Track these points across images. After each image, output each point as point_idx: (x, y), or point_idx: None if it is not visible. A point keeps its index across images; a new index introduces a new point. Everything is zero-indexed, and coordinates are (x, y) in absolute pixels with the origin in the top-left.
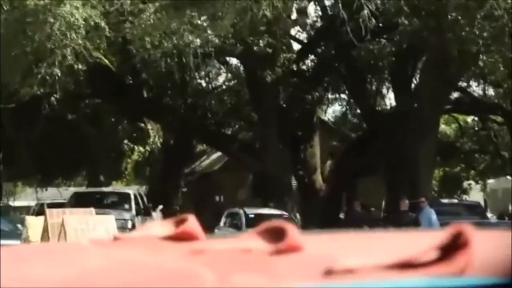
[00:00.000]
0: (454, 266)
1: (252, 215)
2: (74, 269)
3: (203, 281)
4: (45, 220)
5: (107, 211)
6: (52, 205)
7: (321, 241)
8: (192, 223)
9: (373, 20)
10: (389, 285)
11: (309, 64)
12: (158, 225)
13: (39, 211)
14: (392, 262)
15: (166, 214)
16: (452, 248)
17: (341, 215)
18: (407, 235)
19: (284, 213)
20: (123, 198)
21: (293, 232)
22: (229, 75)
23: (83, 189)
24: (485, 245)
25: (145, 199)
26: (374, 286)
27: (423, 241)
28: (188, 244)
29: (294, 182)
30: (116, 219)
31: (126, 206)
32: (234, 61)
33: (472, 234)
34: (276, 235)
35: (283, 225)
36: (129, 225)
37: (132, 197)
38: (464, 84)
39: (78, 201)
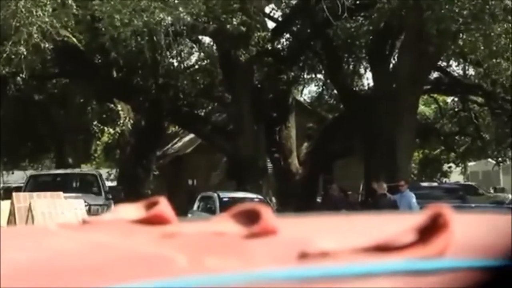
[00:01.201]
0: (433, 248)
1: (226, 199)
2: (41, 252)
3: (174, 265)
4: (12, 204)
5: (77, 196)
6: (19, 189)
7: (296, 224)
8: (163, 206)
9: None
10: (366, 268)
11: (284, 43)
12: (129, 208)
13: (5, 195)
14: (369, 245)
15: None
16: (430, 230)
17: (318, 199)
18: (384, 218)
19: (259, 196)
20: (89, 181)
21: (268, 215)
22: (202, 54)
23: (41, 171)
24: (465, 227)
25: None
26: (350, 269)
27: (400, 223)
28: (159, 227)
29: (269, 165)
30: (90, 205)
31: (95, 189)
32: (206, 40)
33: (451, 215)
34: (250, 218)
35: (257, 208)
36: (106, 211)
37: (99, 179)
38: (444, 64)
39: (36, 185)
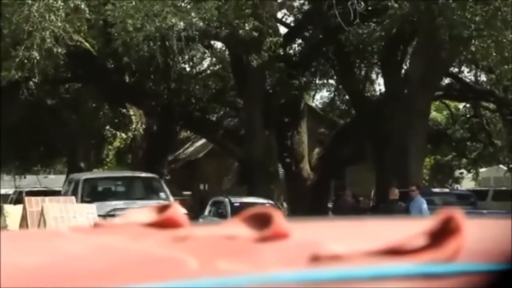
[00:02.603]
0: (444, 252)
1: (238, 204)
2: (52, 254)
3: (186, 268)
4: (24, 208)
5: (144, 203)
6: (31, 193)
7: (308, 228)
8: (175, 209)
9: (362, 3)
10: (377, 272)
11: (296, 49)
12: (141, 212)
13: (18, 199)
14: (380, 249)
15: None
16: (442, 234)
17: (329, 204)
18: (395, 223)
19: (270, 201)
20: (152, 185)
21: (279, 218)
22: (214, 59)
23: (95, 173)
24: (476, 232)
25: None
26: (362, 273)
27: (412, 227)
28: (171, 231)
29: (281, 170)
30: None
31: (162, 194)
32: (219, 45)
33: (463, 219)
34: (261, 222)
35: (268, 212)
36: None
37: (163, 183)
38: (456, 70)
39: (92, 190)
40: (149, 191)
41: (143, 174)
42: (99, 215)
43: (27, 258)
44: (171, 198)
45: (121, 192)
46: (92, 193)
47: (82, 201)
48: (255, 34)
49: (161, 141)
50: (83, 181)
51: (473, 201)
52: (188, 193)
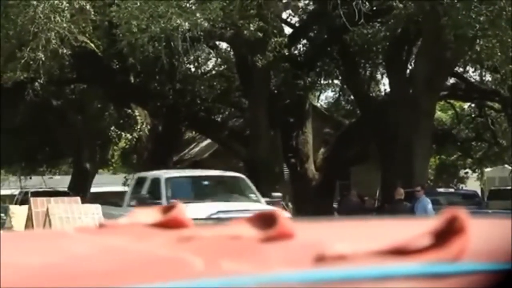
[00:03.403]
0: (449, 252)
1: None
2: (58, 255)
3: (191, 268)
4: (29, 209)
5: (243, 206)
6: (37, 194)
7: (313, 228)
8: (180, 210)
9: (367, 3)
10: (382, 271)
11: (301, 49)
12: (145, 212)
13: (23, 200)
14: (385, 248)
15: None
16: (446, 234)
17: (335, 204)
18: (400, 222)
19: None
20: (240, 185)
21: (284, 219)
22: (219, 60)
23: (176, 171)
24: (481, 231)
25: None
26: (367, 272)
27: (417, 227)
28: (176, 231)
29: (286, 171)
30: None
31: (253, 196)
32: (224, 45)
33: (468, 219)
34: (266, 222)
35: (273, 212)
36: None
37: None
38: (461, 70)
39: (175, 190)
40: (237, 191)
41: (229, 173)
42: (197, 219)
43: (32, 259)
44: (262, 199)
45: (209, 192)
46: (177, 193)
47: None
48: (260, 34)
49: (166, 142)
50: (165, 181)
51: (478, 201)
52: (278, 194)
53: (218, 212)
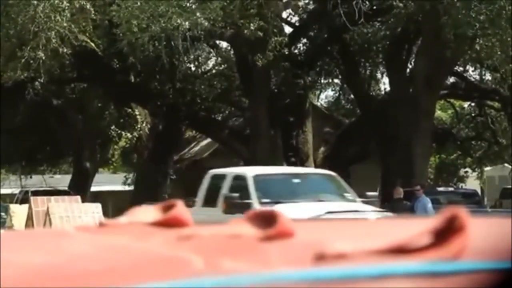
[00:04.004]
0: (449, 251)
1: None
2: (57, 254)
3: (191, 267)
4: (30, 208)
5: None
6: (37, 193)
7: (313, 226)
8: (180, 208)
9: (367, 2)
10: (382, 270)
11: (301, 48)
12: (145, 211)
13: (24, 199)
14: (385, 247)
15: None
16: (446, 232)
17: None
18: (400, 221)
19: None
20: (334, 183)
21: (284, 217)
22: (219, 59)
23: (264, 168)
24: (481, 230)
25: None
26: (367, 271)
27: (417, 225)
28: (176, 230)
29: None
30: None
31: (347, 195)
32: (224, 44)
33: (468, 218)
34: (266, 220)
35: (273, 211)
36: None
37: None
38: (460, 69)
39: (263, 186)
40: (331, 190)
41: (320, 171)
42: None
43: (32, 258)
44: (358, 199)
45: (301, 191)
46: (267, 192)
47: (261, 203)
48: (260, 34)
49: (167, 141)
50: (254, 178)
51: (478, 200)
52: (374, 193)
53: (327, 213)
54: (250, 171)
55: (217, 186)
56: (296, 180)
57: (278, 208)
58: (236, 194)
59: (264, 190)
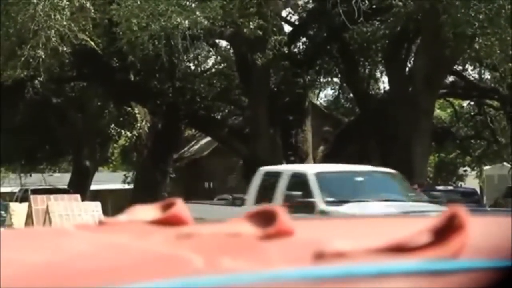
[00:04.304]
0: (448, 249)
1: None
2: (57, 252)
3: (190, 265)
4: (29, 207)
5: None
6: (37, 191)
7: (312, 225)
8: (180, 207)
9: (366, 1)
10: (381, 269)
11: (301, 47)
12: (145, 209)
13: (23, 197)
14: (385, 246)
15: None
16: (446, 231)
17: None
18: (399, 219)
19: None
20: (399, 182)
21: (284, 216)
22: (219, 58)
23: (326, 166)
24: (480, 229)
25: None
26: (366, 270)
27: (416, 225)
28: (175, 228)
29: None
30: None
31: (411, 194)
32: (223, 43)
33: (467, 216)
34: (266, 219)
35: (273, 209)
36: None
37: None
38: (460, 68)
39: (327, 184)
40: (396, 189)
41: (382, 169)
42: None
43: (31, 256)
44: (425, 197)
45: (366, 190)
46: (331, 191)
47: (326, 202)
48: (260, 32)
49: (166, 140)
50: (316, 176)
51: (477, 199)
52: (439, 194)
53: (401, 213)
54: (310, 169)
55: (271, 185)
56: (359, 178)
57: (347, 208)
58: (299, 193)
59: (327, 188)
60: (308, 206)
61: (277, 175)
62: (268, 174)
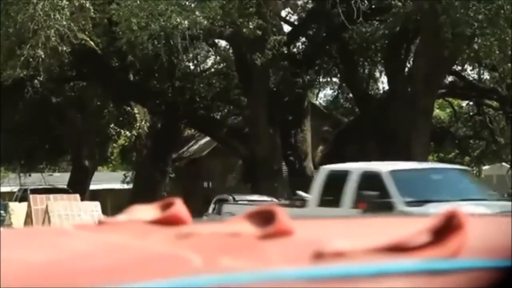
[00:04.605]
0: (447, 249)
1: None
2: (56, 252)
3: (190, 265)
4: (29, 206)
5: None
6: (36, 191)
7: (311, 225)
8: (179, 206)
9: (366, 1)
10: (380, 268)
11: (300, 47)
12: (144, 209)
13: (23, 197)
14: (384, 245)
15: None
16: (445, 231)
17: None
18: (398, 219)
19: (274, 199)
20: (466, 179)
21: (283, 215)
22: (218, 58)
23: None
24: (479, 228)
25: None
26: (365, 270)
27: (415, 224)
28: (175, 228)
29: (284, 168)
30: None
31: (491, 192)
32: (223, 43)
33: (466, 216)
34: (265, 218)
35: (272, 209)
36: None
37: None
38: (459, 68)
39: (403, 181)
40: (475, 188)
41: (456, 166)
42: None
43: (31, 256)
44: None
45: (446, 188)
46: (408, 190)
47: (405, 202)
48: (259, 32)
49: (166, 139)
50: (390, 175)
51: None
52: None
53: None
54: (382, 167)
55: (338, 184)
56: (436, 176)
57: (431, 208)
58: (375, 193)
59: (404, 188)
60: (385, 206)
61: (343, 174)
62: (332, 173)
